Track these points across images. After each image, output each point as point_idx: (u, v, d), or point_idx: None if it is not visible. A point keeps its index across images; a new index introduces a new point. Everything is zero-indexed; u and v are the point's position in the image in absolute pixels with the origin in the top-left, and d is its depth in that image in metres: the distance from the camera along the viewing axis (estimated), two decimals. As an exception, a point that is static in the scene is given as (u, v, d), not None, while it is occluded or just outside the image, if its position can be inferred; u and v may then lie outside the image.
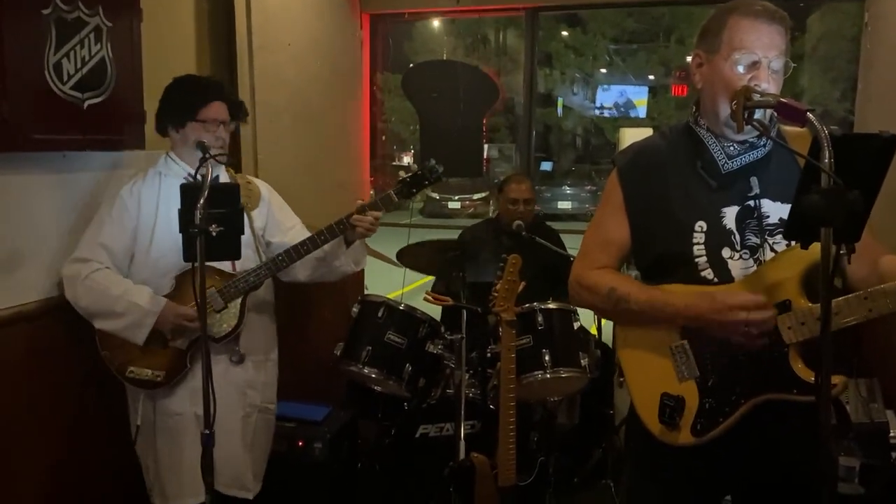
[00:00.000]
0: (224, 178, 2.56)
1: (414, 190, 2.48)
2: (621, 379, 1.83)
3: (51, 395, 2.45)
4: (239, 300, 2.43)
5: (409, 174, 2.49)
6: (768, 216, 1.69)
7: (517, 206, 3.66)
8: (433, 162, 2.48)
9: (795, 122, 1.41)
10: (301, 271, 2.60)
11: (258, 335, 2.58)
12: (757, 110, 1.54)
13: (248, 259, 2.47)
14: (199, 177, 2.11)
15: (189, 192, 1.91)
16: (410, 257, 3.25)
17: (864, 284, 1.57)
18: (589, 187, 18.53)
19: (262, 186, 2.68)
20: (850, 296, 1.54)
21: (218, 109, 2.43)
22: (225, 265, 2.42)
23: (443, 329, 3.16)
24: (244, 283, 2.42)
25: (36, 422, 2.41)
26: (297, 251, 2.44)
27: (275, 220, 2.64)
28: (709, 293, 1.62)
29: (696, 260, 1.68)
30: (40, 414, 2.42)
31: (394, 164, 21.14)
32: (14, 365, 2.32)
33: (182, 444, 2.39)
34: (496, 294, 2.59)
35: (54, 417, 2.47)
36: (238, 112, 2.54)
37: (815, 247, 1.32)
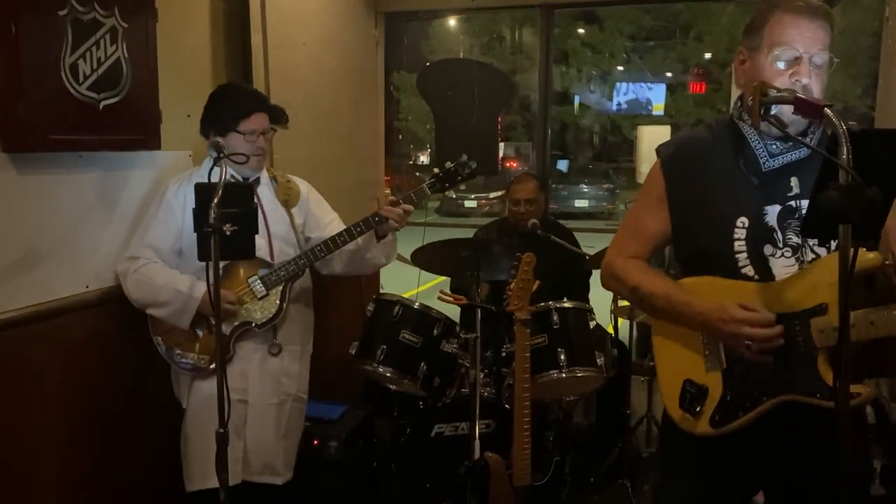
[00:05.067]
0: (265, 178, 2.65)
1: (447, 185, 2.56)
2: (651, 363, 1.84)
3: (89, 387, 2.53)
4: (280, 288, 2.52)
5: (443, 169, 2.55)
6: None
7: (519, 207, 3.65)
8: (465, 157, 2.54)
9: (813, 117, 1.39)
10: (338, 264, 2.70)
11: (296, 326, 2.66)
12: (773, 107, 1.52)
13: (288, 255, 2.59)
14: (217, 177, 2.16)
15: (203, 191, 1.93)
16: (424, 258, 3.24)
17: None
18: (606, 185, 18.44)
19: (302, 185, 2.76)
20: (887, 306, 1.52)
21: (258, 120, 2.52)
22: (265, 256, 2.54)
23: (458, 328, 3.16)
24: (285, 272, 2.53)
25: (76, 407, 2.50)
26: (335, 242, 2.54)
27: (314, 217, 2.73)
28: (721, 304, 1.62)
29: (737, 256, 1.69)
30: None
31: (410, 163, 21.16)
32: (35, 363, 2.34)
33: (212, 428, 2.42)
34: (510, 293, 2.58)
35: (92, 403, 2.55)
36: (279, 118, 2.61)
37: (863, 253, 1.31)
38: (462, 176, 2.55)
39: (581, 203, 17.47)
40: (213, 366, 2.50)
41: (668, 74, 20.68)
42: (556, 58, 19.25)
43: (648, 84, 21.13)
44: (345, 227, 2.59)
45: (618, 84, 21.49)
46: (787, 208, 1.68)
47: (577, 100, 21.67)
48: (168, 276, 2.48)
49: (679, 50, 19.74)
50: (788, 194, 1.69)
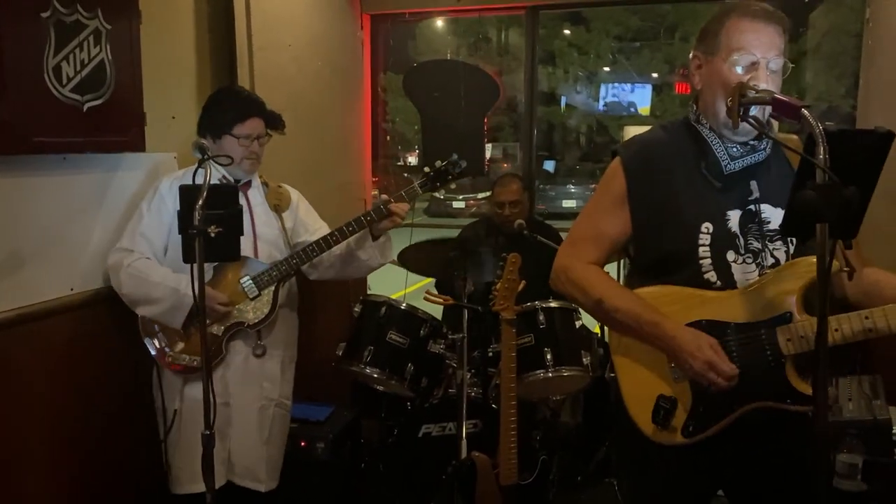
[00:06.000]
0: (256, 183, 2.66)
1: (438, 184, 2.57)
2: (611, 374, 1.81)
3: (75, 390, 2.52)
4: (272, 289, 2.53)
5: (434, 168, 2.56)
6: (769, 221, 1.68)
7: (503, 210, 3.66)
8: (456, 156, 2.55)
9: (790, 118, 1.41)
10: (330, 269, 2.71)
11: (280, 330, 2.65)
12: (753, 108, 1.54)
13: (275, 257, 2.60)
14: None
15: (188, 193, 1.92)
16: (411, 259, 3.25)
17: (855, 299, 1.62)
18: (593, 185, 18.48)
19: (293, 192, 2.78)
20: (851, 314, 1.55)
21: (254, 125, 2.53)
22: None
23: (444, 328, 3.16)
24: (277, 272, 2.53)
25: (63, 410, 2.49)
26: (327, 241, 2.54)
27: (302, 223, 2.74)
28: (697, 334, 1.61)
29: (701, 261, 1.68)
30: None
31: (398, 164, 21.14)
32: (21, 366, 2.33)
33: (198, 430, 2.42)
34: (496, 293, 2.60)
35: (80, 406, 2.55)
36: (276, 125, 2.63)
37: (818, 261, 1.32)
38: (452, 175, 2.55)
39: (569, 203, 17.51)
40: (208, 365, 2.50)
41: (655, 75, 20.76)
42: (543, 58, 19.29)
43: (635, 85, 21.21)
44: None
45: (604, 85, 21.57)
46: (748, 212, 1.69)
47: (563, 100, 21.73)
48: (162, 273, 2.47)
49: (665, 50, 19.83)
50: (749, 198, 1.70)
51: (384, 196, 2.53)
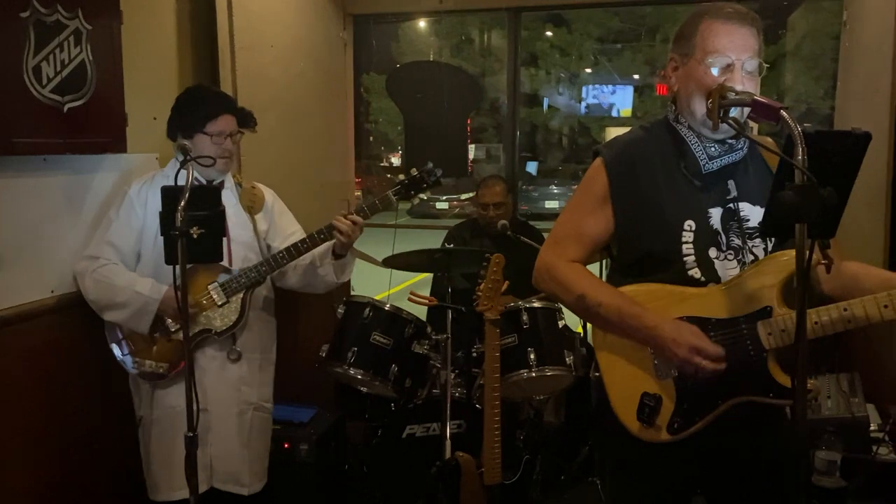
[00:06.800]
0: (230, 183, 2.62)
1: (412, 192, 2.56)
2: (596, 374, 1.82)
3: (53, 388, 2.50)
4: (241, 296, 2.50)
5: (409, 177, 2.55)
6: (748, 220, 1.71)
7: (488, 211, 3.69)
8: (431, 165, 2.54)
9: (770, 119, 1.43)
10: (293, 277, 2.67)
11: (256, 334, 2.63)
12: (732, 109, 1.56)
13: (249, 259, 2.58)
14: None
15: (169, 194, 1.91)
16: (395, 265, 3.25)
17: (834, 293, 1.63)
18: (575, 186, 18.53)
19: (268, 193, 2.74)
20: (830, 306, 1.56)
21: (226, 122, 2.49)
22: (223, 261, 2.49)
23: (429, 329, 3.17)
24: (246, 279, 2.50)
25: (39, 415, 2.46)
26: (297, 248, 2.52)
27: (276, 227, 2.70)
28: (678, 323, 1.63)
29: (685, 259, 1.70)
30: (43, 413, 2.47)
31: (382, 164, 21.13)
32: (2, 368, 2.31)
33: (175, 437, 2.41)
34: (479, 293, 2.60)
35: (57, 411, 2.52)
36: (247, 122, 2.59)
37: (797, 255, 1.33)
38: (427, 183, 2.54)
39: (551, 204, 17.58)
40: (173, 372, 2.48)
41: (636, 77, 20.91)
42: (526, 60, 19.35)
43: (616, 86, 21.34)
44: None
45: (586, 86, 21.68)
46: (728, 210, 1.71)
47: (546, 102, 21.81)
48: (128, 278, 2.44)
49: (646, 52, 19.96)
50: (727, 197, 1.72)
51: (343, 211, 2.52)
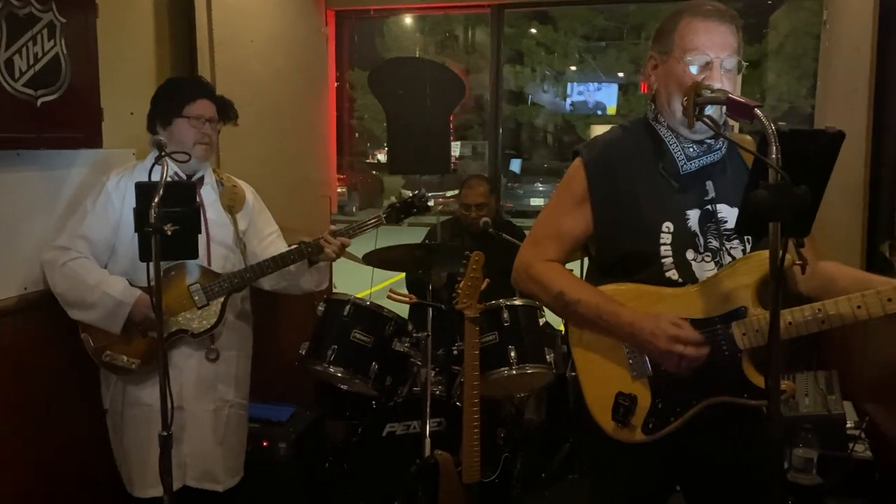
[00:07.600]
0: (210, 179, 2.59)
1: (402, 216, 2.64)
2: (573, 373, 1.81)
3: (28, 386, 2.47)
4: (221, 300, 2.48)
5: (400, 200, 2.65)
6: (725, 221, 1.71)
7: (470, 212, 3.69)
8: (423, 191, 2.65)
9: (744, 118, 1.43)
10: (265, 281, 2.64)
11: (233, 332, 2.61)
12: (708, 108, 1.55)
13: (229, 259, 2.55)
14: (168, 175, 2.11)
15: (144, 190, 1.89)
16: (376, 260, 3.23)
17: (812, 293, 1.64)
18: (560, 184, 18.59)
19: (248, 190, 2.71)
20: (804, 306, 1.57)
21: (204, 106, 2.47)
22: (201, 260, 2.47)
23: (410, 327, 3.16)
24: (228, 284, 2.48)
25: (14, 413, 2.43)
26: (284, 259, 2.52)
27: (255, 227, 2.68)
28: (655, 315, 1.62)
29: (663, 260, 1.70)
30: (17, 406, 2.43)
31: (367, 161, 21.06)
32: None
33: (149, 435, 2.38)
34: (459, 291, 2.60)
35: (31, 409, 2.49)
36: (227, 112, 2.57)
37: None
38: (417, 208, 2.65)
39: (536, 201, 17.61)
40: (145, 368, 2.43)
41: (620, 74, 20.98)
42: (511, 57, 19.36)
43: (601, 84, 21.40)
44: (283, 241, 2.64)
45: (571, 84, 21.72)
46: (705, 212, 1.71)
47: (530, 99, 21.84)
48: (99, 276, 2.38)
49: (630, 50, 20.04)
50: (705, 198, 1.72)
51: (332, 227, 2.58)
